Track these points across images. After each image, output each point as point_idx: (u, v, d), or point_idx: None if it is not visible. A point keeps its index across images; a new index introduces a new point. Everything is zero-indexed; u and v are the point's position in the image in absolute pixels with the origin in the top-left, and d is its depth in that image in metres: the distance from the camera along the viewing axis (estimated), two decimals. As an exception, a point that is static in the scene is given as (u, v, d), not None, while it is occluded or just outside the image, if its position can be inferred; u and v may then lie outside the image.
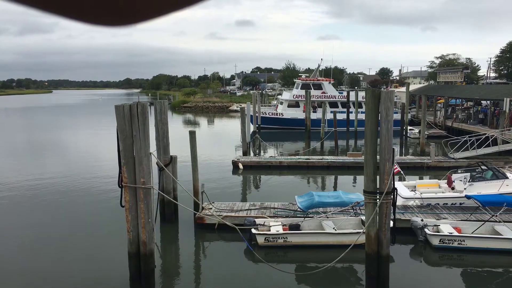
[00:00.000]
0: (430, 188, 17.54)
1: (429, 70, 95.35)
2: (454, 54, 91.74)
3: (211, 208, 15.17)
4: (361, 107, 39.17)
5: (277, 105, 48.06)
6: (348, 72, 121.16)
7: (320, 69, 51.94)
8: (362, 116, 33.07)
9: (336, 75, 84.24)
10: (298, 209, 14.22)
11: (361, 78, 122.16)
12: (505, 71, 76.72)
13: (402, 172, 17.59)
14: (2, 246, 13.53)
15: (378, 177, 10.18)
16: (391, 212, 10.44)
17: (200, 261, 13.06)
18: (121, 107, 10.18)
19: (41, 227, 15.27)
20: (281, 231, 13.23)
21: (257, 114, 43.89)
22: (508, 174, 16.92)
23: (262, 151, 32.21)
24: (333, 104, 44.68)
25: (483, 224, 13.33)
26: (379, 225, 10.11)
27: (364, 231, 10.67)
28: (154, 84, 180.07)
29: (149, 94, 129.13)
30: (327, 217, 14.11)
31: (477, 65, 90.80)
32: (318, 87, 46.16)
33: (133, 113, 10.17)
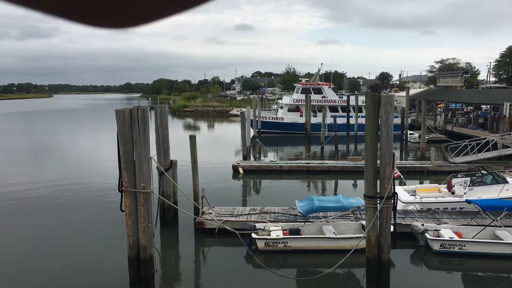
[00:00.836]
0: (430, 193, 17.52)
1: (429, 75, 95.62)
2: (454, 58, 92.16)
3: (211, 213, 15.14)
4: (361, 112, 39.18)
5: (277, 110, 48.11)
6: (348, 77, 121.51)
7: (320, 73, 51.98)
8: (362, 121, 33.08)
9: (336, 79, 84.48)
10: (298, 214, 14.20)
11: (361, 83, 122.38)
12: (505, 76, 76.82)
13: (402, 176, 17.58)
14: (1, 251, 13.50)
15: (378, 181, 10.18)
16: (392, 216, 10.43)
17: (200, 266, 13.03)
18: (121, 112, 10.19)
19: (40, 232, 15.25)
20: (281, 236, 13.20)
21: (257, 119, 43.93)
22: (508, 179, 16.90)
23: (262, 156, 32.19)
24: (333, 109, 44.73)
25: (483, 228, 13.30)
26: (379, 229, 10.10)
27: (365, 235, 10.65)
28: (155, 88, 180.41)
29: (150, 99, 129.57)
30: (328, 222, 14.09)
31: (477, 70, 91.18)
32: (318, 91, 46.23)
33: (133, 118, 10.18)
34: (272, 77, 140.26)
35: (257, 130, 42.43)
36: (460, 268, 12.45)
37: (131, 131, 10.21)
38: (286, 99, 48.23)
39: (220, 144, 40.54)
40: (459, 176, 17.83)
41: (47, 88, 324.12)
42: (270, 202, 17.57)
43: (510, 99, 32.57)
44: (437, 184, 18.68)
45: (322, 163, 25.82)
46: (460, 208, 15.94)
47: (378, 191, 10.13)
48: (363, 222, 12.70)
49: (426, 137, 32.27)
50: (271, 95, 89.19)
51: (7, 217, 17.11)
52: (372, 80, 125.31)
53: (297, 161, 26.79)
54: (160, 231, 14.91)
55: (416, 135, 38.08)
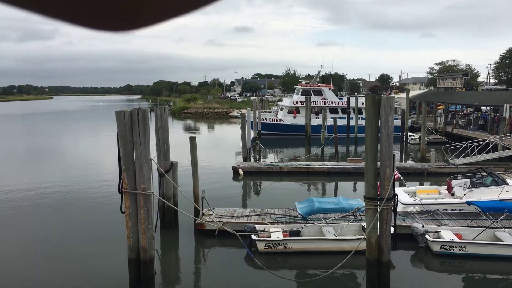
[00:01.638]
0: (430, 194, 17.53)
1: (429, 76, 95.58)
2: (453, 60, 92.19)
3: (211, 214, 15.14)
4: (361, 113, 39.20)
5: (278, 111, 48.13)
6: (348, 78, 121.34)
7: (320, 75, 52.05)
8: (362, 122, 33.11)
9: (336, 81, 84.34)
10: (299, 215, 14.19)
11: (361, 84, 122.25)
12: (505, 77, 76.90)
13: (402, 178, 17.57)
14: (1, 252, 13.49)
15: (378, 183, 10.18)
16: (392, 218, 10.43)
17: (200, 267, 13.02)
18: (121, 113, 10.20)
19: (40, 233, 15.24)
20: (282, 237, 13.20)
21: (257, 120, 43.92)
22: (508, 180, 16.90)
23: (262, 157, 32.19)
24: (333, 110, 44.75)
25: (484, 230, 13.30)
26: (379, 231, 10.09)
27: (365, 237, 10.65)
28: (155, 90, 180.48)
29: (150, 100, 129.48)
30: (328, 223, 14.08)
31: (477, 71, 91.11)
32: (318, 93, 46.24)
33: (133, 119, 10.19)
34: (272, 78, 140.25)
35: (257, 131, 42.43)
36: (460, 270, 12.44)
37: (132, 133, 10.22)
38: (286, 101, 48.25)
39: (220, 145, 40.54)
40: (459, 177, 17.83)
41: (47, 90, 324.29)
42: (270, 204, 17.55)
43: (510, 101, 32.58)
44: (437, 186, 18.68)
45: (322, 165, 25.83)
46: (460, 210, 15.93)
47: (378, 192, 10.13)
48: (363, 224, 12.69)
49: (426, 139, 32.28)
50: (271, 96, 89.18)
51: (7, 218, 17.11)
52: (372, 82, 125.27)
53: (297, 163, 26.80)
54: (160, 232, 14.91)
55: (416, 136, 38.10)
